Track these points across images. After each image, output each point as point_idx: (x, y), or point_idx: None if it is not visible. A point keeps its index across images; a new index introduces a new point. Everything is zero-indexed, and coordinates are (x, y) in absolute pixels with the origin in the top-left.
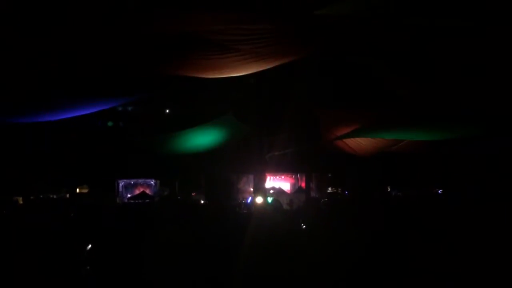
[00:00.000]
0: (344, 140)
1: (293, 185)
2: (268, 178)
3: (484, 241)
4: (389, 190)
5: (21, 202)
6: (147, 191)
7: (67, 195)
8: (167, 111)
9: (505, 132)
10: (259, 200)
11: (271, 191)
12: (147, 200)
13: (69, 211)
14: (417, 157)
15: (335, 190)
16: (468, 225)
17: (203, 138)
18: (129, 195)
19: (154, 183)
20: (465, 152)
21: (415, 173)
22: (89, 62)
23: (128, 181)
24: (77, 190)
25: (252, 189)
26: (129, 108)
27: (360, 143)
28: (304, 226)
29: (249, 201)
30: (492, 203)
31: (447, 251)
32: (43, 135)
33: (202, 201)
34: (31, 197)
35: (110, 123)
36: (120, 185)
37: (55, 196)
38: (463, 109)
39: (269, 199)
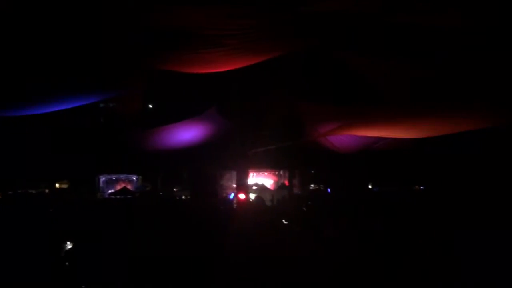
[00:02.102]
0: (327, 137)
1: (276, 182)
2: (251, 174)
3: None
4: (370, 187)
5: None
6: (129, 186)
7: (46, 190)
8: (150, 106)
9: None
10: (241, 196)
11: (254, 188)
12: (129, 196)
13: (48, 207)
14: (399, 155)
15: (317, 187)
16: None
17: (185, 134)
18: (110, 191)
19: (136, 178)
20: (446, 151)
21: (397, 171)
22: (70, 55)
23: (109, 176)
24: (57, 185)
25: (234, 185)
26: (111, 105)
27: (343, 140)
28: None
29: (231, 197)
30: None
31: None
32: (20, 130)
33: (183, 197)
34: (9, 192)
35: (91, 119)
36: (101, 180)
37: (34, 191)
38: (445, 108)
39: (252, 196)
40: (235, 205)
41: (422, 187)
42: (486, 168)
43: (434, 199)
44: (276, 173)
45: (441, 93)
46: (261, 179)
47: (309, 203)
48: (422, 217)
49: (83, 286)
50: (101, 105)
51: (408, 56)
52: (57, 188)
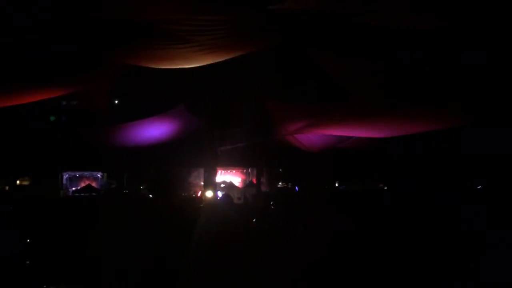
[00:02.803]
0: (296, 135)
1: (244, 180)
2: (219, 172)
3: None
4: (336, 185)
5: None
6: (94, 184)
7: (6, 188)
8: (116, 102)
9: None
10: (209, 194)
11: (222, 185)
12: (93, 194)
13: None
14: (365, 154)
15: (285, 185)
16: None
17: (153, 130)
18: (74, 188)
19: (101, 175)
20: (406, 150)
21: (362, 169)
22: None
23: (73, 173)
24: (18, 182)
25: (202, 183)
26: (74, 103)
27: (311, 139)
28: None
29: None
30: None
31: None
32: None
33: (150, 195)
34: None
35: (52, 118)
36: (65, 177)
37: None
38: (411, 107)
39: (219, 193)
40: (202, 204)
41: (385, 187)
42: (449, 167)
43: (398, 198)
44: (244, 171)
45: (409, 93)
46: (229, 177)
47: (277, 201)
48: (385, 215)
49: (44, 286)
50: (63, 103)
51: (377, 56)
52: (18, 185)
